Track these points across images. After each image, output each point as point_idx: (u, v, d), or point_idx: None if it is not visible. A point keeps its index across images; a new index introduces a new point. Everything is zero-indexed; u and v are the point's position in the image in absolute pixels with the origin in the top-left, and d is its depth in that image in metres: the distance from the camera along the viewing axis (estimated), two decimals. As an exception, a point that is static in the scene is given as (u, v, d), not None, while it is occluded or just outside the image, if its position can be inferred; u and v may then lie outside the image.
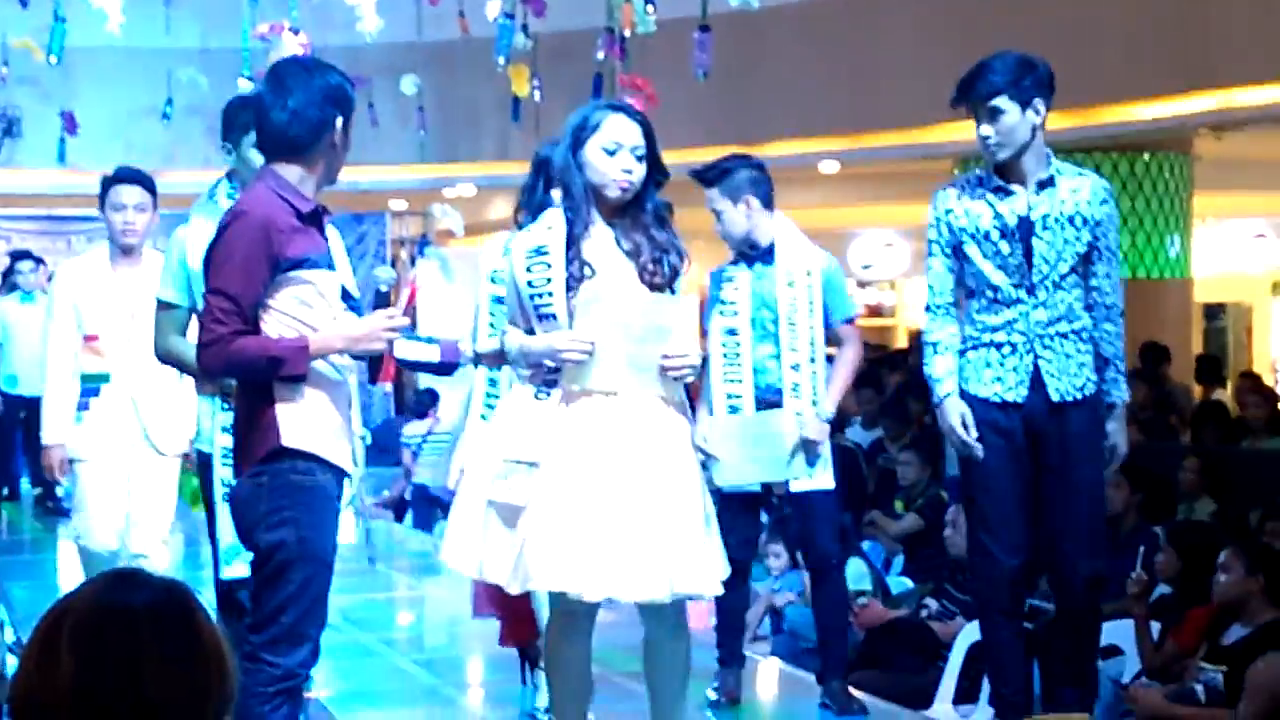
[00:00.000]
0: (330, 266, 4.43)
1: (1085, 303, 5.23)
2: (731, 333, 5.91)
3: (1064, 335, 5.19)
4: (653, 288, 4.51)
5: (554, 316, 4.46)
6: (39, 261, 13.14)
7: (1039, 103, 5.16)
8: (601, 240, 4.55)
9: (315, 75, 4.40)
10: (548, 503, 4.34)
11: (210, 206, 5.28)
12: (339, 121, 4.39)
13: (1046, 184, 5.20)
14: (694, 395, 4.95)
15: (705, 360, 5.54)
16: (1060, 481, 5.20)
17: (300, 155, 4.37)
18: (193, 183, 11.20)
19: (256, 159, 4.76)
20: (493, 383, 5.45)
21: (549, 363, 4.46)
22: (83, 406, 6.49)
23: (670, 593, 4.37)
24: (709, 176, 6.01)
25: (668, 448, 4.44)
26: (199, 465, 5.53)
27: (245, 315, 4.22)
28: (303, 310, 4.31)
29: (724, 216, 5.96)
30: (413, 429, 14.62)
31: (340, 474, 4.42)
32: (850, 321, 6.03)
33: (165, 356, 5.39)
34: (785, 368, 5.83)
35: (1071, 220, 5.17)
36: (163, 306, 5.37)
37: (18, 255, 13.19)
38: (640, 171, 4.54)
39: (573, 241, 4.50)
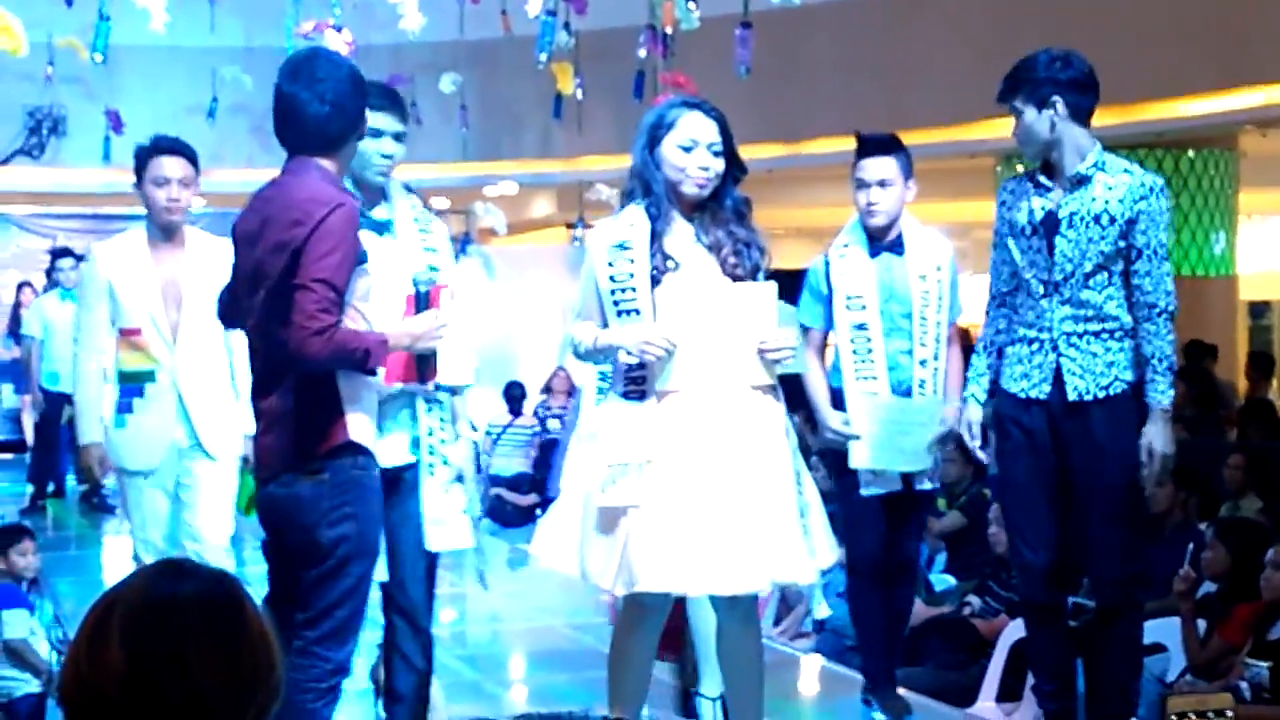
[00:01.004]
0: None
1: (1123, 302, 5.13)
2: (861, 327, 5.70)
3: (1094, 334, 5.12)
4: (735, 280, 4.54)
5: (637, 311, 4.50)
6: (80, 259, 13.21)
7: (1057, 100, 5.10)
8: (682, 235, 4.59)
9: (342, 65, 4.45)
10: (648, 504, 4.40)
11: None
12: (367, 114, 4.46)
13: (1082, 181, 5.12)
14: None
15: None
16: (1085, 482, 5.16)
17: (337, 148, 4.40)
18: (238, 182, 11.26)
19: (366, 146, 4.65)
20: (603, 376, 5.14)
21: (626, 357, 4.49)
22: (125, 409, 5.91)
23: (771, 583, 4.51)
24: (891, 145, 5.79)
25: (760, 439, 4.49)
26: None
27: (341, 306, 4.21)
28: (362, 304, 4.38)
29: (892, 190, 5.71)
30: (495, 418, 14.75)
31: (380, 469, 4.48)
32: (953, 323, 5.92)
33: None
34: (915, 363, 5.72)
35: (1098, 219, 5.08)
36: None
37: (59, 253, 13.27)
38: (718, 167, 4.57)
39: (655, 237, 4.54)
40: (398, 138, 4.77)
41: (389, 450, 4.68)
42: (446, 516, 4.77)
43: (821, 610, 5.28)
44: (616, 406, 4.55)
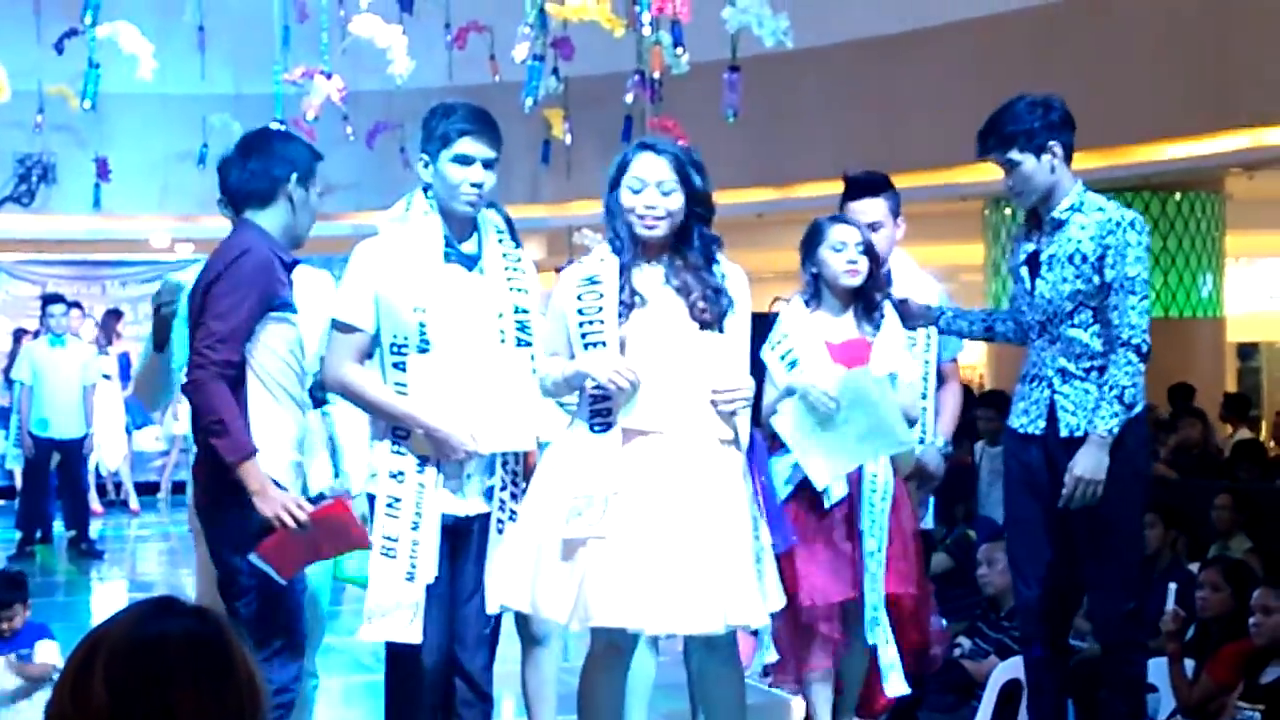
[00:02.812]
0: (293, 310, 4.70)
1: (1107, 338, 5.13)
2: None
3: (1085, 371, 5.13)
4: (703, 325, 4.52)
5: (603, 344, 4.46)
6: (71, 305, 13.20)
7: (1054, 145, 5.15)
8: (652, 276, 4.58)
9: (274, 141, 4.82)
10: (605, 540, 4.37)
11: (404, 219, 4.65)
12: (293, 177, 4.69)
13: (1061, 224, 5.17)
14: None
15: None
16: (1081, 517, 5.17)
17: (263, 207, 4.72)
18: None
19: (453, 174, 4.57)
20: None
21: (590, 387, 4.45)
22: None
23: (724, 624, 4.41)
24: (879, 184, 5.65)
25: (717, 485, 4.46)
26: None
27: (237, 346, 4.48)
28: (284, 348, 4.61)
29: (882, 231, 5.56)
30: None
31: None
32: (954, 359, 5.91)
33: (339, 387, 4.67)
34: None
35: (1071, 258, 5.12)
36: (340, 328, 4.62)
37: (50, 299, 13.26)
38: (669, 205, 4.53)
39: (623, 271, 4.54)
40: (488, 165, 4.60)
41: (463, 500, 4.60)
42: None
43: (770, 655, 5.17)
44: (581, 438, 4.50)
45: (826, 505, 5.25)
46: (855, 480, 5.25)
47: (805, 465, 5.22)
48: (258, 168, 4.70)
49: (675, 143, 4.83)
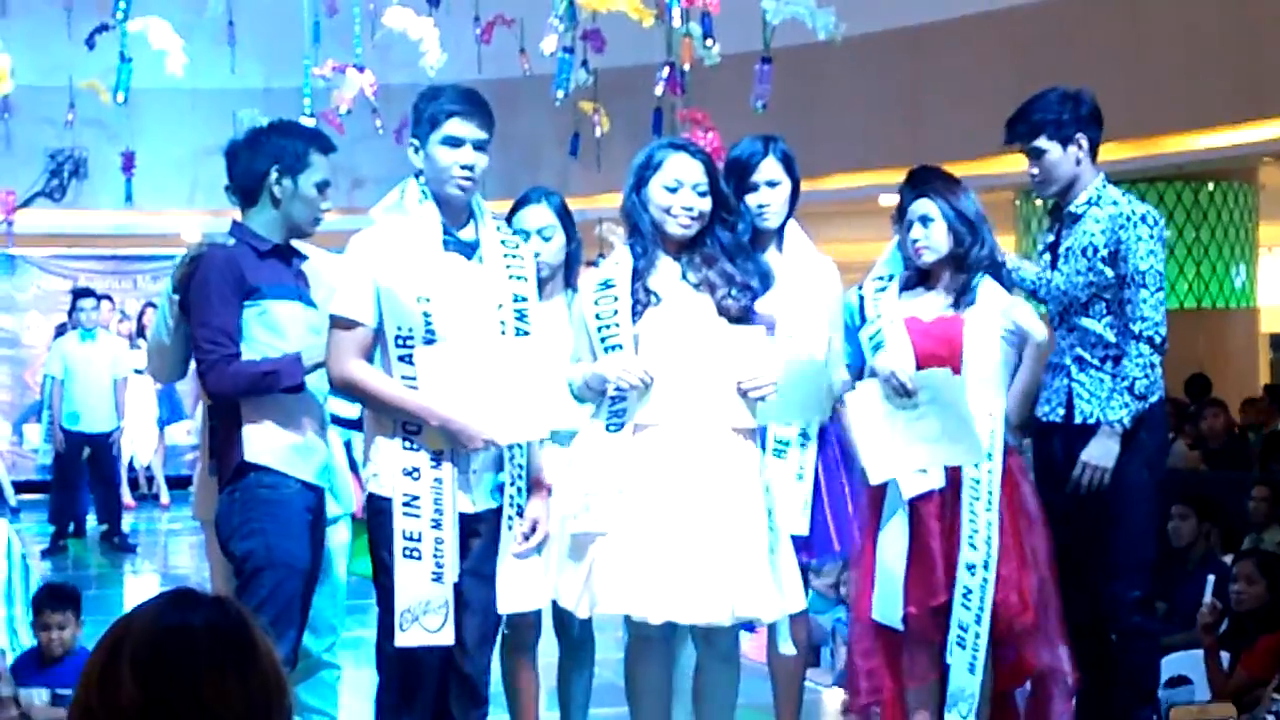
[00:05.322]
0: (294, 298, 4.78)
1: (1123, 329, 5.19)
2: None
3: (1100, 360, 5.22)
4: (731, 319, 4.55)
5: (621, 346, 4.52)
6: (100, 299, 13.23)
7: (1081, 137, 5.25)
8: (667, 273, 4.63)
9: (270, 135, 4.90)
10: (617, 531, 4.44)
11: (399, 208, 4.49)
12: (273, 172, 4.79)
13: (1078, 217, 5.27)
14: None
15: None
16: (1091, 505, 5.19)
17: (251, 202, 4.88)
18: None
19: (443, 157, 4.44)
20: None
21: (611, 389, 4.50)
22: None
23: (732, 617, 4.46)
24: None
25: (732, 479, 4.50)
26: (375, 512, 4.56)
27: (233, 338, 4.65)
28: (268, 335, 4.71)
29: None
30: None
31: (312, 486, 4.77)
32: None
33: (345, 385, 4.48)
34: None
35: (1084, 252, 5.22)
36: (341, 324, 4.44)
37: (80, 293, 13.30)
38: (702, 207, 4.60)
39: (638, 275, 4.59)
40: (479, 147, 4.48)
41: (472, 497, 4.48)
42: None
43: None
44: (596, 436, 4.56)
45: (904, 499, 4.94)
46: (954, 480, 4.95)
47: (864, 456, 4.99)
48: (244, 165, 4.88)
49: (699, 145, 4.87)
